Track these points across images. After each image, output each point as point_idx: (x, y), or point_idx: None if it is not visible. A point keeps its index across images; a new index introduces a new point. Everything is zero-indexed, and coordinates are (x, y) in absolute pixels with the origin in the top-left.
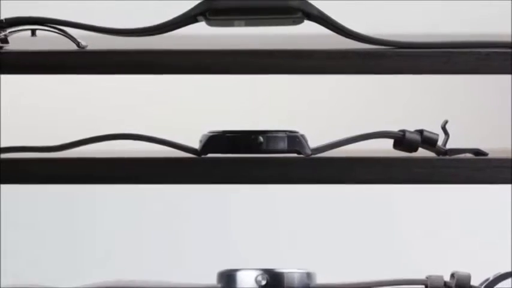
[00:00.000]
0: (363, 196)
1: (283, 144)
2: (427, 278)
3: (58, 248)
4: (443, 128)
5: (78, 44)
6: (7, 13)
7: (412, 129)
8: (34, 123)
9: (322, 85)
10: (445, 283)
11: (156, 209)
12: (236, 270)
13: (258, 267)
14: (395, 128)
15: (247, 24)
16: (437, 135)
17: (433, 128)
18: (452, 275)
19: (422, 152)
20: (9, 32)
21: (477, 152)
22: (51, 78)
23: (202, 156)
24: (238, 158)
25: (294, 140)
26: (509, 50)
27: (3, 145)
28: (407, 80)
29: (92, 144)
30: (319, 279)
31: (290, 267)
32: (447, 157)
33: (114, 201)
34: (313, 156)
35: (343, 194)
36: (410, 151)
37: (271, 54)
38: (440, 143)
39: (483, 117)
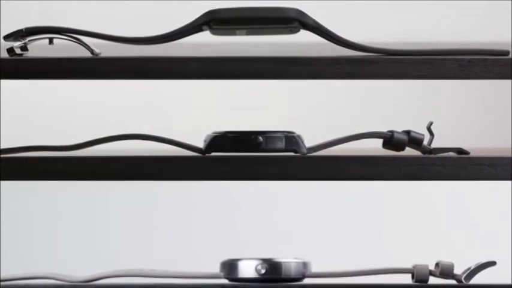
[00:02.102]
0: (354, 192)
1: (281, 144)
2: (413, 267)
3: (76, 239)
4: (429, 129)
5: (92, 51)
6: (26, 23)
7: (400, 130)
8: (46, 125)
9: (317, 89)
10: (430, 271)
11: (164, 204)
12: (237, 259)
13: (258, 257)
14: (384, 128)
15: (248, 33)
16: (423, 135)
17: (419, 128)
18: (437, 264)
19: (409, 151)
20: (28, 40)
21: (460, 151)
22: (63, 83)
23: (207, 154)
24: (240, 156)
25: (291, 139)
26: (490, 57)
27: (14, 145)
28: (395, 84)
29: (105, 144)
30: (314, 268)
31: (287, 257)
32: (432, 156)
33: (125, 197)
34: (309, 154)
35: (336, 190)
36: (398, 150)
37: (270, 60)
38: (425, 142)
39: (466, 119)
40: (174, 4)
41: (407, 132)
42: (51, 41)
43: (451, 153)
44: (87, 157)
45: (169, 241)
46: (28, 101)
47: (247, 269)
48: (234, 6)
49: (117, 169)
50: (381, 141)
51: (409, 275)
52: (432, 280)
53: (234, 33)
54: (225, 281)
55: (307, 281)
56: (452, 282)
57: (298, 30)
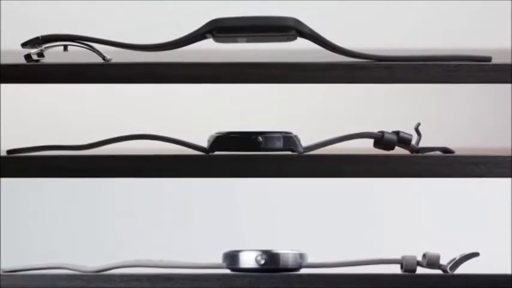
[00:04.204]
0: (348, 188)
1: (279, 144)
2: (402, 257)
3: (86, 233)
4: (416, 130)
5: (103, 57)
6: (43, 31)
7: (390, 131)
8: (59, 126)
9: (313, 93)
10: (418, 262)
11: (170, 200)
12: (239, 251)
13: (258, 249)
14: (375, 129)
15: (248, 41)
16: (411, 135)
17: (407, 129)
18: (424, 255)
19: (398, 150)
20: (44, 47)
21: (445, 150)
22: (76, 86)
23: (210, 153)
24: (241, 155)
25: (289, 139)
26: (474, 63)
27: (28, 145)
28: (386, 88)
29: (116, 143)
30: (310, 259)
31: (285, 248)
32: (420, 154)
33: (134, 193)
34: (305, 153)
35: (331, 186)
36: (388, 149)
37: (269, 66)
38: (413, 142)
39: (452, 120)
40: (179, 14)
41: (397, 133)
42: (65, 48)
43: (437, 152)
44: (100, 156)
45: (175, 234)
46: (40, 103)
47: (248, 260)
48: (236, 15)
49: (127, 167)
50: (372, 141)
51: (398, 266)
52: (420, 270)
53: (235, 41)
54: (227, 271)
55: (303, 271)
56: (438, 272)
57: (295, 38)
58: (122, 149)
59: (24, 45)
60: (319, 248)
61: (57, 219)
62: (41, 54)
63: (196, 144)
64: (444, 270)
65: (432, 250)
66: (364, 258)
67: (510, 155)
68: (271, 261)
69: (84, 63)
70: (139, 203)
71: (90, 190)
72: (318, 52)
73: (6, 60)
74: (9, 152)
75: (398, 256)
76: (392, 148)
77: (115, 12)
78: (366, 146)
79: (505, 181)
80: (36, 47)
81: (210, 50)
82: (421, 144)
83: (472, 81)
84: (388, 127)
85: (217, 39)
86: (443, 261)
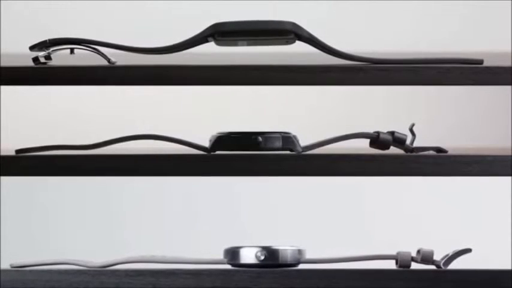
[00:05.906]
0: (344, 187)
1: (278, 143)
2: (397, 253)
3: (92, 229)
4: (411, 130)
5: (109, 60)
6: (50, 34)
7: (385, 131)
8: (66, 127)
9: (311, 94)
10: (412, 258)
11: (173, 198)
12: (239, 247)
13: (258, 245)
14: (371, 129)
15: (249, 44)
16: (406, 135)
17: (402, 129)
18: (418, 251)
19: (393, 150)
20: (52, 50)
21: (439, 150)
22: (81, 88)
23: (212, 153)
24: (241, 154)
25: (288, 139)
26: (466, 66)
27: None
28: (381, 90)
29: (120, 143)
30: (308, 255)
31: (284, 244)
32: (414, 154)
33: (138, 191)
34: (303, 153)
35: (328, 184)
36: (383, 149)
37: (269, 69)
38: (408, 142)
39: (445, 120)
40: (182, 18)
41: (392, 133)
42: (72, 51)
43: (431, 152)
44: (105, 155)
45: (178, 231)
46: (44, 104)
47: (248, 256)
48: (236, 19)
49: (132, 166)
50: (368, 140)
51: (393, 261)
52: (414, 265)
53: (236, 44)
54: (228, 266)
55: (302, 266)
56: (432, 267)
57: (294, 41)
58: (126, 148)
59: (32, 48)
60: (317, 244)
61: (61, 218)
62: (48, 57)
63: (198, 144)
64: (438, 266)
65: (426, 246)
66: (361, 254)
67: (501, 154)
68: (271, 257)
69: (89, 65)
70: (143, 201)
71: (95, 189)
72: (316, 55)
73: (6, 62)
74: (17, 151)
75: (393, 252)
76: (388, 148)
77: (115, 13)
78: (362, 146)
79: (497, 179)
80: (43, 50)
81: (211, 53)
82: (415, 144)
83: (465, 83)
84: (384, 127)
85: (219, 42)
86: (437, 257)
